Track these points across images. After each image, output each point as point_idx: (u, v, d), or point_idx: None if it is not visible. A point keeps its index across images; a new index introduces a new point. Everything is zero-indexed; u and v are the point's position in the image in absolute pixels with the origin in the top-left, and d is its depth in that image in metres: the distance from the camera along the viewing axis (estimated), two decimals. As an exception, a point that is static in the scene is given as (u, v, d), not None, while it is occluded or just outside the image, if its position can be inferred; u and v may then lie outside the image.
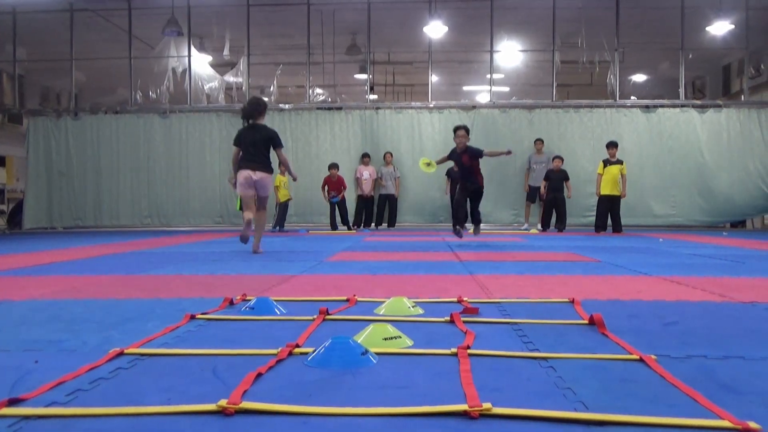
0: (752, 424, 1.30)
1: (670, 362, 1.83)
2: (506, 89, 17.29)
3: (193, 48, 13.03)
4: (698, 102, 12.86)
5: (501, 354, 1.92)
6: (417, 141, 12.58)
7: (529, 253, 6.02)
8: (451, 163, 8.36)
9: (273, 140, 5.98)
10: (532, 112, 12.48)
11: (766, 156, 12.04)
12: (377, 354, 1.89)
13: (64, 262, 5.29)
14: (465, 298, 2.96)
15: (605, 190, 10.30)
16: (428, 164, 7.39)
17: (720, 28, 11.98)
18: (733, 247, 6.96)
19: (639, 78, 16.91)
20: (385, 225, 12.13)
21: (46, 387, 1.57)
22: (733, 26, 11.98)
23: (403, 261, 5.19)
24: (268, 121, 12.53)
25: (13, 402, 1.45)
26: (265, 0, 12.41)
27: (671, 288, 3.49)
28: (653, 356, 1.86)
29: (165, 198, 12.81)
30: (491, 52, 12.69)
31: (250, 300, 2.84)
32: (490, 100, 12.86)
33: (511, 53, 14.51)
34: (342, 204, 11.46)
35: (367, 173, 11.91)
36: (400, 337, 2.08)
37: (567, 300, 2.97)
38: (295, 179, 7.13)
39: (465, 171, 7.56)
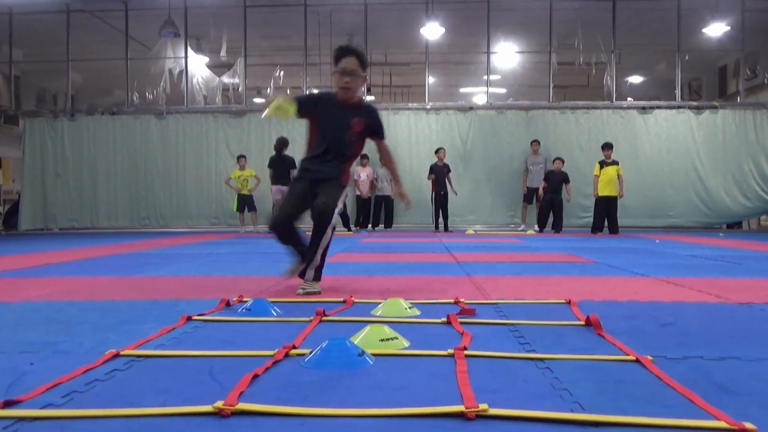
0: (748, 425, 1.30)
1: (667, 363, 1.83)
2: (503, 90, 17.32)
3: (189, 49, 13.02)
4: (694, 103, 12.90)
5: (498, 355, 1.92)
6: (414, 142, 12.59)
7: (526, 254, 6.02)
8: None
9: (292, 164, 9.55)
10: (528, 113, 12.49)
11: (761, 157, 12.08)
12: (374, 355, 1.89)
13: (59, 263, 5.28)
14: (462, 299, 2.96)
15: (602, 192, 10.34)
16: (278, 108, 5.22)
17: (716, 29, 12.02)
18: (729, 248, 6.97)
19: (635, 79, 16.95)
20: (381, 226, 12.13)
21: (42, 389, 1.56)
22: (729, 28, 12.02)
23: (400, 262, 5.19)
24: (265, 123, 12.62)
25: (9, 404, 1.45)
26: (262, 1, 12.40)
27: (668, 289, 3.50)
28: (649, 357, 1.87)
29: (161, 199, 12.79)
30: (488, 53, 12.70)
31: (246, 301, 2.84)
32: (487, 102, 12.87)
33: (507, 55, 14.54)
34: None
35: (364, 174, 11.91)
36: (397, 338, 2.08)
37: (563, 301, 2.97)
38: None
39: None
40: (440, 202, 11.27)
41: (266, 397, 1.52)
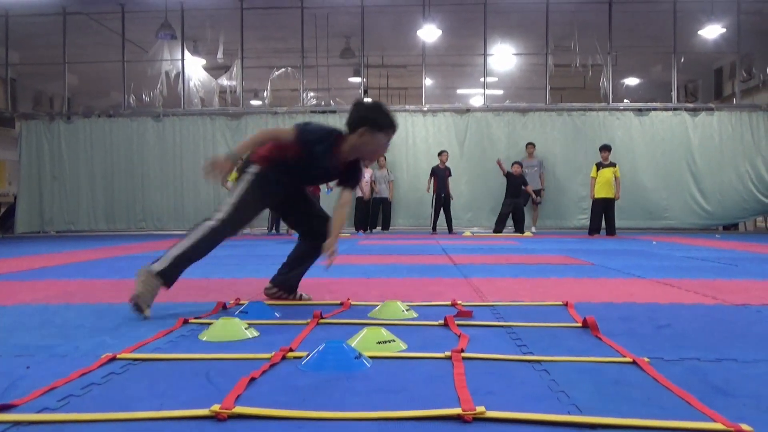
0: (745, 427, 1.30)
1: (663, 365, 1.84)
2: (500, 92, 17.35)
3: (186, 51, 13.01)
4: (690, 105, 12.93)
5: (495, 357, 1.93)
6: (411, 144, 12.60)
7: (523, 256, 6.03)
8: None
9: None
10: (525, 115, 12.51)
11: (757, 159, 12.11)
12: (371, 358, 1.89)
13: (56, 266, 5.26)
14: (459, 302, 2.96)
15: (599, 194, 10.35)
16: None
17: (712, 31, 12.05)
18: (725, 249, 6.99)
19: (632, 81, 16.99)
20: (378, 228, 12.13)
21: (38, 392, 1.56)
22: (724, 30, 12.06)
23: (397, 264, 5.19)
24: (263, 125, 12.63)
25: (5, 408, 1.44)
26: (258, 3, 12.41)
27: (664, 291, 3.50)
28: (646, 359, 1.87)
29: (159, 201, 12.77)
30: (485, 55, 12.72)
31: (243, 304, 2.83)
32: (484, 104, 12.88)
33: (504, 57, 14.56)
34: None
35: (367, 175, 11.92)
36: (394, 340, 2.08)
37: (560, 303, 2.98)
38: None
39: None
40: (442, 204, 11.31)
41: (263, 400, 1.52)
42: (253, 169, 2.99)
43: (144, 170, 12.76)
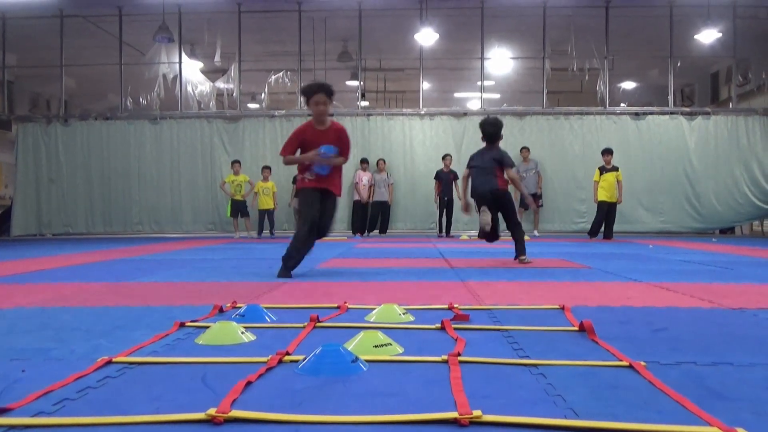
0: (741, 431, 1.30)
1: (660, 369, 1.84)
2: (497, 96, 17.37)
3: (183, 54, 13.01)
4: (687, 109, 12.96)
5: (491, 361, 1.93)
6: (408, 147, 12.61)
7: (520, 260, 6.02)
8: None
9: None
10: (522, 118, 12.53)
11: (753, 163, 12.15)
12: (368, 361, 1.89)
13: (52, 269, 5.25)
14: (456, 305, 2.96)
15: (602, 197, 10.33)
16: None
17: (708, 36, 12.09)
18: (722, 253, 7.00)
19: (628, 85, 17.03)
20: (376, 231, 12.13)
21: (33, 396, 1.55)
22: (721, 34, 12.10)
23: (395, 268, 5.19)
24: (260, 128, 12.63)
25: (0, 411, 1.44)
26: (256, 6, 12.41)
27: (661, 294, 3.51)
28: (643, 363, 1.87)
29: (156, 204, 12.75)
30: (482, 59, 12.74)
31: (240, 307, 2.83)
32: (481, 107, 12.91)
33: (501, 60, 14.58)
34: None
35: (366, 178, 11.93)
36: (391, 344, 2.08)
37: (557, 306, 2.98)
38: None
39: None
40: (445, 207, 11.35)
41: (259, 404, 1.51)
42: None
43: (141, 173, 12.74)
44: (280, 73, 13.78)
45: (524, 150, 11.83)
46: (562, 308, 2.90)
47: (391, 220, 12.34)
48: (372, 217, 12.09)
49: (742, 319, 2.72)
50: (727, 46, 12.56)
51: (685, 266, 5.28)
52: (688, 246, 8.43)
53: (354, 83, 15.06)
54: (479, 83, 13.02)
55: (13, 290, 3.81)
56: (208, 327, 2.37)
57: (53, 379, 1.71)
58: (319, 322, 2.56)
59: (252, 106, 16.34)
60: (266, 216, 11.67)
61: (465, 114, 12.86)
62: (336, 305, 3.03)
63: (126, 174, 12.75)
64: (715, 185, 12.09)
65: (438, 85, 17.05)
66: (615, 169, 10.37)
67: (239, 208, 11.58)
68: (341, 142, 4.70)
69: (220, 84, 13.57)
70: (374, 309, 2.79)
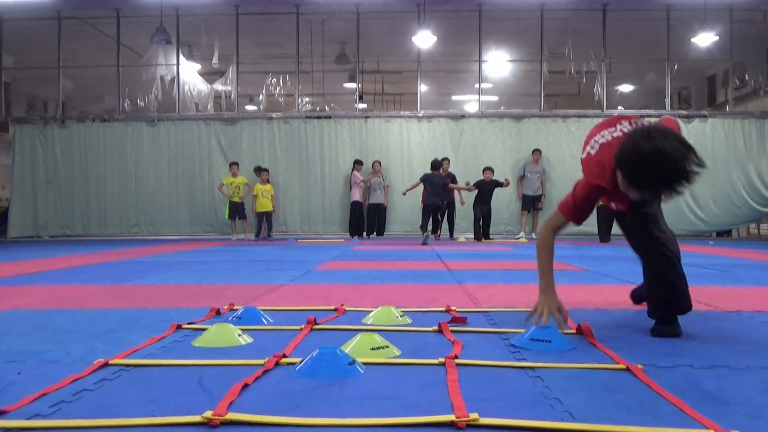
0: (737, 434, 1.30)
1: (657, 372, 1.84)
2: (495, 99, 17.39)
3: (181, 56, 13.00)
4: (684, 112, 13.01)
5: (488, 364, 1.92)
6: (406, 150, 12.62)
7: (517, 262, 6.04)
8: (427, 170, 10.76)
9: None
10: (520, 121, 12.55)
11: (750, 166, 12.18)
12: (365, 364, 1.89)
13: (48, 271, 5.24)
14: (453, 308, 2.96)
15: (602, 200, 10.28)
16: None
17: (705, 39, 12.13)
18: (718, 256, 7.02)
19: (626, 88, 17.08)
20: (373, 234, 12.13)
21: (29, 399, 1.55)
22: (717, 38, 12.14)
23: (392, 270, 5.19)
24: (258, 130, 12.63)
25: (-5, 414, 1.43)
26: (254, 9, 12.42)
27: (658, 297, 3.50)
28: (640, 366, 1.87)
29: (153, 206, 12.73)
30: (479, 61, 12.77)
31: (237, 309, 2.82)
32: (479, 110, 12.92)
33: (499, 63, 14.62)
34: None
35: (360, 179, 11.97)
36: (388, 346, 2.08)
37: (554, 309, 2.97)
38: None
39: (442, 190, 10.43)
40: (444, 211, 11.32)
41: (256, 406, 1.51)
42: None
43: (138, 175, 12.72)
44: (278, 76, 13.79)
45: (536, 152, 11.96)
46: (560, 311, 2.90)
47: (388, 223, 12.34)
48: (368, 219, 12.09)
49: (739, 322, 2.73)
50: (723, 50, 12.60)
51: (682, 269, 5.28)
52: (684, 249, 8.40)
53: (352, 85, 15.07)
54: (477, 86, 13.04)
55: (10, 292, 3.79)
56: (205, 329, 2.37)
57: (49, 381, 1.70)
58: (316, 324, 2.56)
59: (250, 108, 16.34)
60: (264, 218, 11.67)
61: (462, 116, 12.88)
62: (333, 308, 3.03)
63: (123, 176, 12.73)
64: (712, 188, 12.11)
65: (435, 87, 17.07)
66: None
67: (237, 210, 11.57)
68: None
69: (218, 86, 13.58)
70: (371, 311, 2.79)
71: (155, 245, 9.51)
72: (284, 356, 1.97)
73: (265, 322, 2.63)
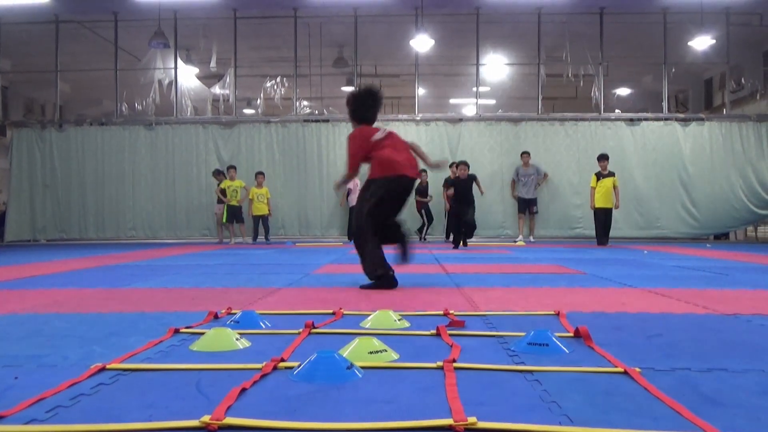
0: (735, 437, 1.30)
1: (654, 375, 1.84)
2: (492, 102, 17.43)
3: (179, 60, 13.01)
4: (681, 115, 13.03)
5: (487, 367, 1.92)
6: (404, 153, 12.60)
7: (515, 266, 6.04)
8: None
9: None
10: (517, 124, 12.56)
11: (747, 168, 12.21)
12: (363, 368, 1.89)
13: (45, 275, 5.23)
14: (451, 311, 2.96)
15: (599, 203, 10.28)
16: None
17: (702, 42, 12.17)
18: (716, 259, 7.02)
19: (623, 91, 17.12)
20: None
21: (26, 403, 1.54)
22: (714, 41, 12.18)
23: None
24: (256, 134, 12.62)
25: (-8, 419, 1.43)
26: (252, 12, 12.43)
27: (655, 300, 3.51)
28: (637, 369, 1.87)
29: (151, 210, 12.71)
30: (477, 65, 12.78)
31: (235, 313, 2.82)
32: (476, 113, 12.93)
33: (496, 67, 14.64)
34: None
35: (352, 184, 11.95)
36: (386, 350, 2.08)
37: (552, 312, 2.98)
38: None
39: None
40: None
41: (254, 410, 1.51)
42: None
43: (136, 178, 12.71)
44: (276, 79, 13.80)
45: (524, 155, 11.77)
46: (558, 314, 2.91)
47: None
48: None
49: (737, 324, 2.73)
50: (720, 53, 12.64)
51: (679, 272, 5.29)
52: (682, 252, 8.45)
53: (350, 89, 15.07)
54: (474, 89, 13.06)
55: (7, 296, 3.79)
56: (202, 333, 2.37)
57: (46, 386, 1.70)
58: (314, 328, 2.56)
59: (248, 111, 16.35)
60: (260, 222, 11.67)
61: (460, 120, 12.89)
62: (331, 311, 3.03)
63: (121, 180, 12.71)
64: (709, 191, 12.13)
65: (433, 91, 17.10)
66: (611, 174, 10.38)
67: (235, 214, 11.57)
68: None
69: (216, 90, 13.58)
70: (369, 315, 2.79)
71: (153, 249, 9.49)
72: (282, 360, 1.97)
73: (263, 326, 2.63)
